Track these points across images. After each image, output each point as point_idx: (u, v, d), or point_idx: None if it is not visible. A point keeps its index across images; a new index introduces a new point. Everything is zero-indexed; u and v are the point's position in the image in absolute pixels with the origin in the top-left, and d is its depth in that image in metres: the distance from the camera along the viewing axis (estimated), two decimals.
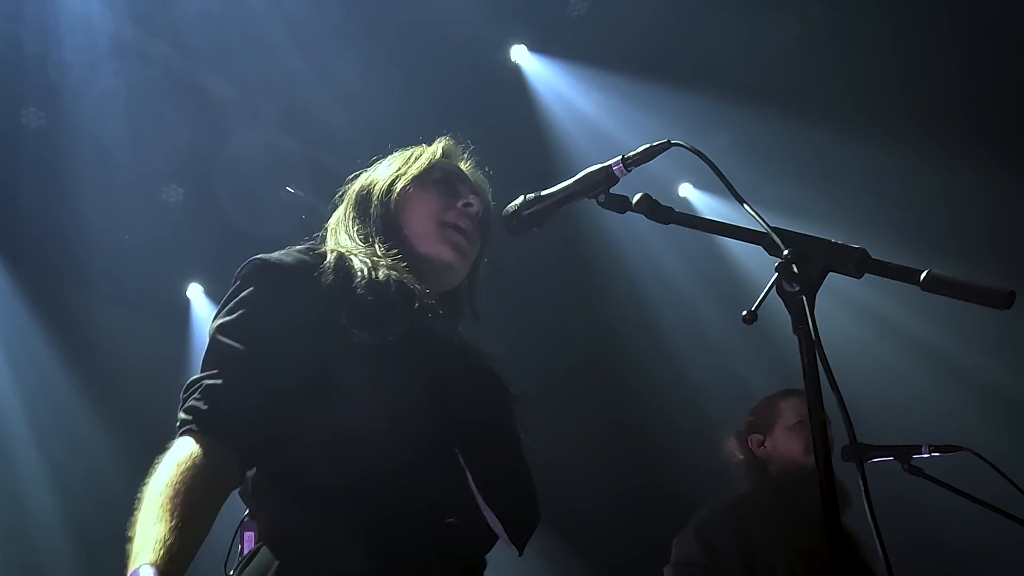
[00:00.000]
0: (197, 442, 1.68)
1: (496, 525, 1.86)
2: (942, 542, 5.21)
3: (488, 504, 1.84)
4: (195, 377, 1.79)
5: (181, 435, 1.71)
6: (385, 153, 2.28)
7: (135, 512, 1.58)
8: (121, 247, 5.97)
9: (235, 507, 1.84)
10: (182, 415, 1.74)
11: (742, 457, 3.69)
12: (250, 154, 5.72)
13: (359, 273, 1.90)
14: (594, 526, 6.42)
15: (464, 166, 2.25)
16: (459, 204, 2.13)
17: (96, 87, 5.30)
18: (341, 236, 2.10)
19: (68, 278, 6.13)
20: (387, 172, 2.17)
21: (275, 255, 1.93)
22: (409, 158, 2.20)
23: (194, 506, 1.59)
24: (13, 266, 6.15)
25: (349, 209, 2.15)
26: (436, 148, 2.23)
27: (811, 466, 1.44)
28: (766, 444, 3.62)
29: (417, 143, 2.29)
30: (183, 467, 1.63)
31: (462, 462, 1.83)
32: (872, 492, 1.45)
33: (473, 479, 1.83)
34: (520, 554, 1.91)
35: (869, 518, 1.44)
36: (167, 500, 1.57)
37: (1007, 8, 5.19)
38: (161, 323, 6.52)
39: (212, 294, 6.61)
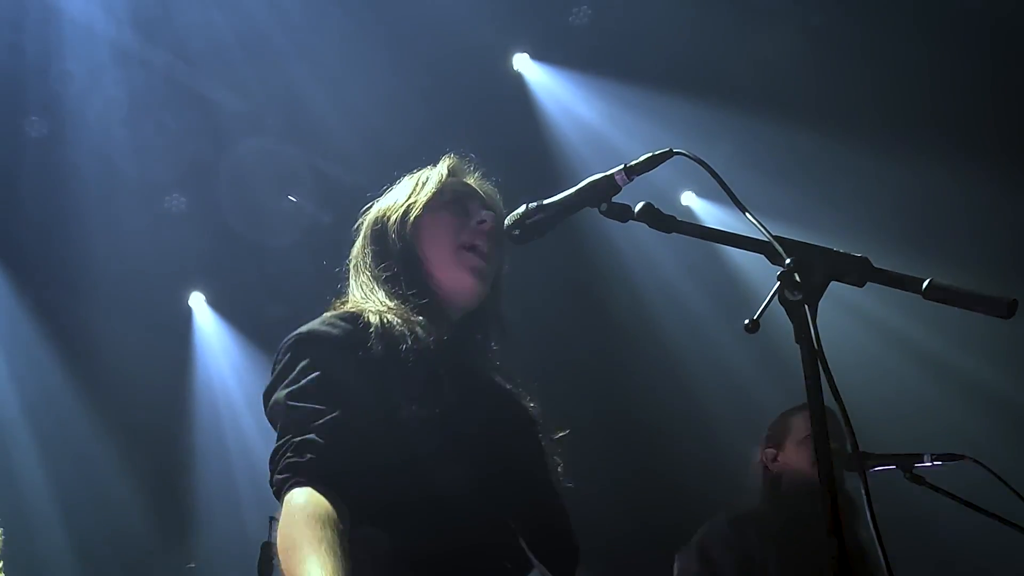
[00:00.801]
0: (314, 491, 1.73)
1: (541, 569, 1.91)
2: (944, 550, 5.20)
3: (537, 558, 1.89)
4: (282, 441, 1.81)
5: (291, 486, 1.74)
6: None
7: (284, 559, 1.66)
8: (123, 255, 5.96)
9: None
10: (281, 475, 1.76)
11: (760, 472, 3.72)
12: (252, 163, 5.72)
13: (401, 341, 1.92)
14: (596, 536, 6.40)
15: (472, 180, 2.24)
16: (473, 223, 2.13)
17: (98, 96, 5.31)
18: (364, 276, 2.11)
19: (70, 286, 6.13)
20: (398, 202, 2.17)
21: (320, 327, 1.95)
22: (417, 184, 2.19)
23: (344, 546, 1.68)
24: (15, 274, 6.14)
25: (367, 244, 2.16)
26: (442, 168, 2.22)
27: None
28: (779, 459, 3.64)
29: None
30: (320, 513, 1.70)
31: (510, 521, 1.89)
32: (874, 500, 1.45)
33: (524, 539, 1.89)
34: None
35: (871, 526, 1.44)
36: (319, 541, 1.65)
37: (1014, 12, 5.19)
38: (163, 331, 6.52)
39: (214, 303, 6.62)
